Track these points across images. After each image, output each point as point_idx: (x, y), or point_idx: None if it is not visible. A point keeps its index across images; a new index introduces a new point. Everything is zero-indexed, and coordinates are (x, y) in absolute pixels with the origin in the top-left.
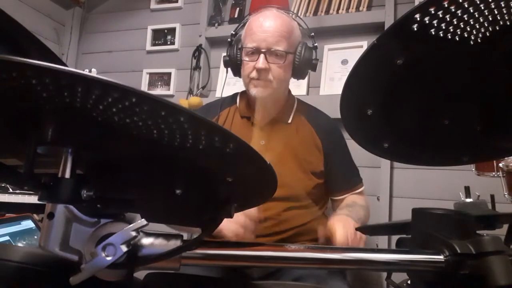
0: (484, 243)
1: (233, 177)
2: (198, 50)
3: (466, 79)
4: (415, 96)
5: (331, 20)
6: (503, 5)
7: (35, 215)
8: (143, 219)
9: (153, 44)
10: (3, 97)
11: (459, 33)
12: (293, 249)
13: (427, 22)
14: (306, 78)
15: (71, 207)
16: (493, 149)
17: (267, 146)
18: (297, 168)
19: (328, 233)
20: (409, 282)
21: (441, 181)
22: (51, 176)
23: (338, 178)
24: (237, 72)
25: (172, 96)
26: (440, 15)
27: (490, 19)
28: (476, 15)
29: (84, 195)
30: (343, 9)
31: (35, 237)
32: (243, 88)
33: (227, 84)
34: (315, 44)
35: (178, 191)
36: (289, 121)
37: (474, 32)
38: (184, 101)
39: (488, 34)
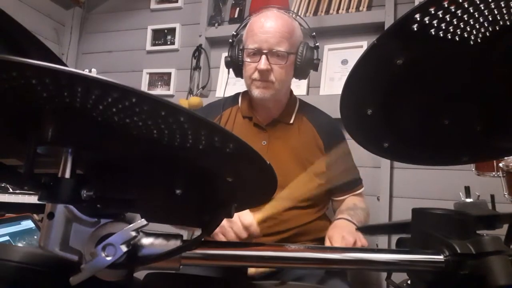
0: (484, 243)
1: (233, 177)
2: (198, 50)
3: (466, 79)
4: (415, 96)
5: (331, 20)
6: (503, 5)
7: (35, 215)
8: (143, 219)
9: (153, 44)
10: (3, 97)
11: (459, 33)
12: (293, 249)
13: (427, 22)
14: (306, 78)
15: (71, 207)
16: (493, 149)
17: (269, 146)
18: (298, 169)
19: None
20: (409, 282)
21: (441, 181)
22: (51, 176)
23: (339, 179)
24: (238, 73)
25: (172, 96)
26: (440, 15)
27: (490, 19)
28: (476, 15)
29: (84, 195)
30: (343, 9)
31: (35, 237)
32: (244, 88)
33: (227, 84)
34: (316, 44)
35: (178, 191)
36: (291, 121)
37: (474, 32)
38: (184, 101)
39: (488, 34)
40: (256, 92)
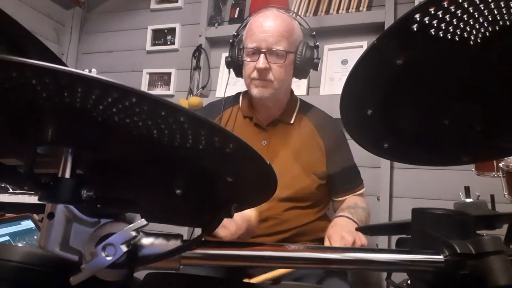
0: (484, 243)
1: (233, 177)
2: (198, 50)
3: (466, 79)
4: (415, 96)
5: (331, 20)
6: (503, 5)
7: (35, 215)
8: (143, 219)
9: (153, 44)
10: (3, 97)
11: (459, 33)
12: (293, 249)
13: (427, 22)
14: (306, 78)
15: (71, 207)
16: (493, 149)
17: (269, 146)
18: (299, 169)
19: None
20: (409, 282)
21: (441, 181)
22: (51, 176)
23: (340, 179)
24: (239, 73)
25: (172, 96)
26: (440, 15)
27: (490, 19)
28: (476, 15)
29: (84, 195)
30: (343, 9)
31: (35, 237)
32: (244, 88)
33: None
34: (316, 43)
35: (178, 191)
36: (292, 121)
37: (474, 32)
38: (184, 101)
39: (488, 34)
40: (255, 91)
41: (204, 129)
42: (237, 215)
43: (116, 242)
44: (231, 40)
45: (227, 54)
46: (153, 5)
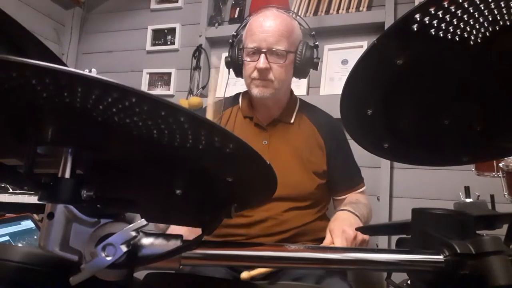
0: (484, 243)
1: (233, 177)
2: (198, 50)
3: (466, 79)
4: (415, 96)
5: (331, 20)
6: (503, 5)
7: (35, 215)
8: (143, 219)
9: (153, 44)
10: (2, 97)
11: (459, 33)
12: (293, 249)
13: (427, 22)
14: (306, 78)
15: (71, 207)
16: (493, 149)
17: (270, 146)
18: (299, 168)
19: (328, 241)
20: (409, 282)
21: (441, 181)
22: (51, 176)
23: (341, 177)
24: (239, 73)
25: (172, 96)
26: (440, 15)
27: (490, 19)
28: (476, 15)
29: (84, 195)
30: (343, 9)
31: (35, 237)
32: (244, 88)
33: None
34: (316, 43)
35: (178, 191)
36: (292, 121)
37: (474, 32)
38: (184, 101)
39: (488, 34)
40: (255, 91)
41: (204, 129)
42: None
43: (116, 242)
44: (230, 40)
45: (227, 54)
46: (153, 5)
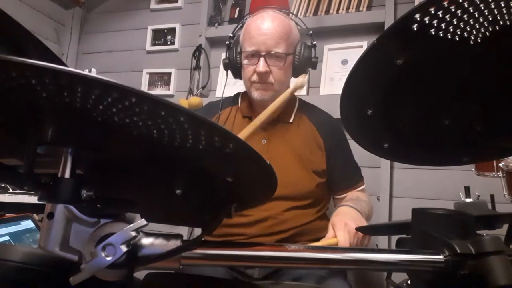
0: (484, 243)
1: (233, 177)
2: (198, 50)
3: (466, 79)
4: (415, 96)
5: (331, 20)
6: (503, 5)
7: (35, 215)
8: (143, 219)
9: (153, 44)
10: (2, 97)
11: (459, 33)
12: (293, 249)
13: (427, 22)
14: (306, 78)
15: (71, 207)
16: (493, 149)
17: (269, 145)
18: (299, 167)
19: (330, 235)
20: (409, 282)
21: (441, 181)
22: (51, 176)
23: (340, 176)
24: (237, 75)
25: (172, 96)
26: (440, 15)
27: (490, 19)
28: (476, 15)
29: (84, 195)
30: (343, 9)
31: (35, 237)
32: (244, 88)
33: (226, 84)
34: (314, 43)
35: (178, 191)
36: (291, 120)
37: (474, 32)
38: (184, 101)
39: (488, 34)
40: (255, 94)
41: (204, 129)
42: None
43: (116, 242)
44: (227, 42)
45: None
46: (153, 5)
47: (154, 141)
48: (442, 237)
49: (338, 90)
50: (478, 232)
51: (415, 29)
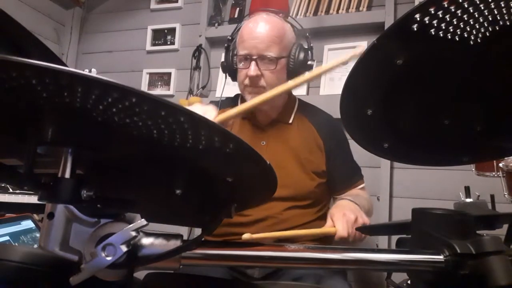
0: (484, 243)
1: (233, 177)
2: (198, 50)
3: (466, 79)
4: (415, 96)
5: (331, 20)
6: (503, 5)
7: (35, 215)
8: (143, 219)
9: (153, 44)
10: (3, 97)
11: (459, 33)
12: (293, 249)
13: (427, 22)
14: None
15: (71, 207)
16: (493, 149)
17: (268, 146)
18: (298, 168)
19: (329, 224)
20: (409, 282)
21: (441, 181)
22: (51, 176)
23: (340, 177)
24: (234, 78)
25: (172, 96)
26: (440, 15)
27: (490, 19)
28: (476, 15)
29: (84, 195)
30: (343, 9)
31: (35, 237)
32: None
33: (227, 84)
34: (311, 45)
35: (178, 191)
36: (290, 121)
37: (474, 32)
38: (184, 101)
39: (488, 34)
40: (248, 98)
41: (204, 129)
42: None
43: (116, 242)
44: (226, 45)
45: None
46: (153, 5)
47: (154, 141)
48: (442, 237)
49: (338, 90)
50: (478, 232)
51: (415, 29)
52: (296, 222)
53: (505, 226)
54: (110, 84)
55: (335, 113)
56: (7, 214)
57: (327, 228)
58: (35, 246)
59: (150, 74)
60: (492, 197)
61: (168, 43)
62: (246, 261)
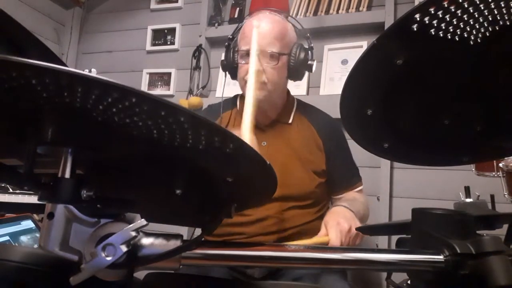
0: (484, 243)
1: (233, 177)
2: (198, 50)
3: (466, 79)
4: (415, 96)
5: (331, 20)
6: (503, 5)
7: (35, 215)
8: (143, 219)
9: (153, 44)
10: (3, 97)
11: (459, 33)
12: (293, 249)
13: (427, 22)
14: (306, 78)
15: (71, 207)
16: (493, 149)
17: (269, 147)
18: (298, 168)
19: (322, 233)
20: (409, 282)
21: (441, 181)
22: (51, 176)
23: (339, 177)
24: (234, 76)
25: (172, 96)
26: (440, 15)
27: (490, 19)
28: (476, 15)
29: (84, 195)
30: (343, 9)
31: (35, 237)
32: None
33: (227, 84)
34: (311, 45)
35: (178, 191)
36: (290, 121)
37: (474, 32)
38: (184, 101)
39: (488, 34)
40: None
41: (204, 129)
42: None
43: (116, 242)
44: (226, 43)
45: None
46: (153, 5)
47: (154, 141)
48: (442, 237)
49: (338, 90)
50: (478, 232)
51: (415, 29)
52: (296, 222)
53: (505, 226)
54: (110, 84)
55: (335, 113)
56: (7, 214)
57: (320, 238)
58: (35, 246)
59: (150, 74)
60: (492, 197)
61: (168, 43)
62: (246, 261)
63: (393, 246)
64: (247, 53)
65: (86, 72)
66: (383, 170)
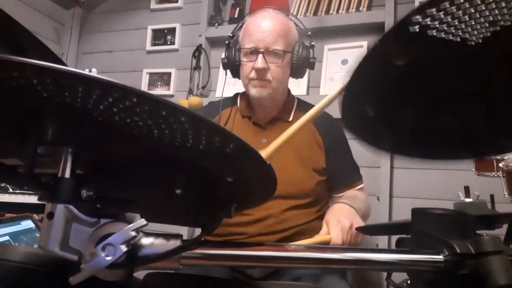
0: (483, 243)
1: (233, 177)
2: (198, 50)
3: (466, 79)
4: (416, 97)
5: (331, 20)
6: (503, 5)
7: (35, 215)
8: (143, 219)
9: (153, 44)
10: (3, 97)
11: (459, 34)
12: (293, 249)
13: (427, 23)
14: (306, 78)
15: (71, 207)
16: (493, 147)
17: (269, 144)
18: (299, 165)
19: (324, 232)
20: (409, 282)
21: (441, 181)
22: (51, 176)
23: (339, 175)
24: (235, 74)
25: (172, 96)
26: (440, 16)
27: (490, 19)
28: (476, 16)
29: (84, 195)
30: (343, 9)
31: (35, 237)
32: (243, 89)
33: (226, 84)
34: (312, 43)
35: (178, 191)
36: (290, 119)
37: (474, 33)
38: (184, 101)
39: (488, 35)
40: (253, 91)
41: (205, 129)
42: None
43: (116, 242)
44: (227, 41)
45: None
46: (153, 5)
47: (155, 141)
48: (442, 237)
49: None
50: (478, 232)
51: (416, 30)
52: (296, 221)
53: (505, 226)
54: (111, 84)
55: (335, 113)
56: (7, 214)
57: (321, 236)
58: (35, 246)
59: (150, 74)
60: (492, 197)
61: (168, 43)
62: (246, 261)
63: (393, 246)
64: (251, 51)
65: (86, 72)
66: (383, 170)
